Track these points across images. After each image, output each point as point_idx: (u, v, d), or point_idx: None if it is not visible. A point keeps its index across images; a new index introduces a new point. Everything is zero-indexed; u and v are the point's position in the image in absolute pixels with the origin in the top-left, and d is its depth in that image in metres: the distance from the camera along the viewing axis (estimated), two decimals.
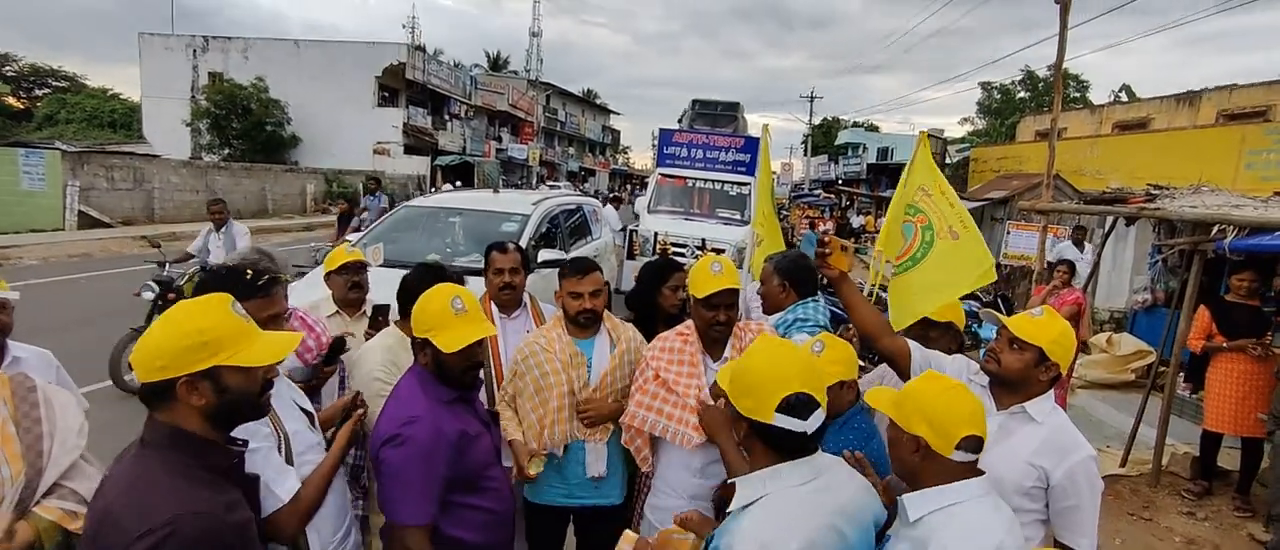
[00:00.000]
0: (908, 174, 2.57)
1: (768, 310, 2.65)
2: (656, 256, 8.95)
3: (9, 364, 1.88)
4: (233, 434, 1.29)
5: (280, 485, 1.56)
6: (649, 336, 2.61)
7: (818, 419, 1.38)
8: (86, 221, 14.74)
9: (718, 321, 2.16)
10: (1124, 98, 28.03)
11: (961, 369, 2.03)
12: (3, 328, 1.93)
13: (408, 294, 2.36)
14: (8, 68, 31.43)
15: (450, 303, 1.81)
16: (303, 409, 2.00)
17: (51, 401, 1.57)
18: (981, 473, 1.42)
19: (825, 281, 2.35)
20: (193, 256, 6.68)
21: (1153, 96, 18.63)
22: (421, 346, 1.86)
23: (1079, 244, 8.37)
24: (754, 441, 1.42)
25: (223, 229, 6.56)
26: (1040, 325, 1.81)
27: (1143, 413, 5.17)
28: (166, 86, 27.43)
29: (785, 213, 19.50)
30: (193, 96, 26.72)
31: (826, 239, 2.16)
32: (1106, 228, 6.50)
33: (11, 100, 29.68)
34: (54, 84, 33.18)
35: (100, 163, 15.88)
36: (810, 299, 2.61)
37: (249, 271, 1.82)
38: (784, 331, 2.49)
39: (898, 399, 1.45)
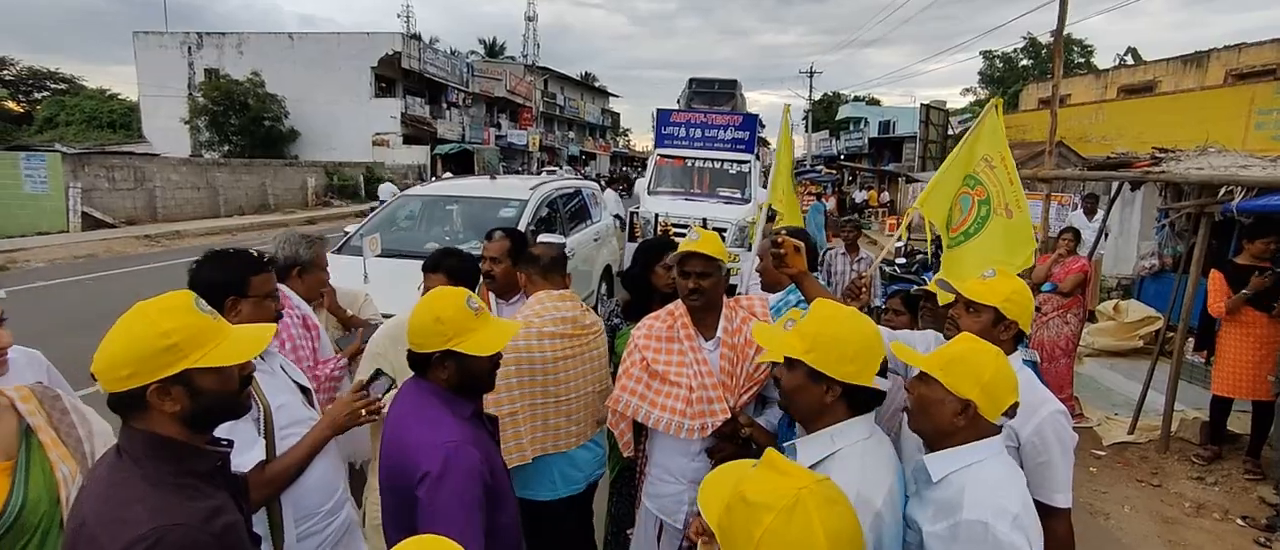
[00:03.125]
0: (971, 141, 2.45)
1: (766, 287, 2.61)
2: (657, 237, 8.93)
3: None
4: (216, 434, 1.25)
5: (240, 456, 1.54)
6: (639, 315, 2.54)
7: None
8: (90, 222, 14.78)
9: (690, 290, 2.12)
10: (1130, 61, 27.61)
11: (931, 342, 2.03)
12: None
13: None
14: (5, 72, 31.41)
15: (466, 303, 1.64)
16: (298, 384, 2.00)
17: (78, 408, 1.58)
18: (1000, 430, 1.45)
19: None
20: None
21: (1159, 59, 18.33)
22: (441, 360, 1.62)
23: (1090, 212, 8.24)
24: (839, 404, 1.47)
25: None
26: (992, 286, 1.86)
27: (1151, 379, 5.12)
28: (163, 85, 27.36)
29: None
30: (190, 94, 26.65)
31: (781, 241, 2.13)
32: (1112, 193, 6.42)
33: (11, 104, 29.67)
34: (52, 87, 33.13)
35: (101, 163, 15.89)
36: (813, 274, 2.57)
37: (253, 251, 1.86)
38: (784, 310, 2.42)
39: (946, 363, 1.45)
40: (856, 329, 1.49)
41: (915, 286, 7.21)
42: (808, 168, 28.09)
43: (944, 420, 1.42)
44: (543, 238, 5.62)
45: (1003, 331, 1.82)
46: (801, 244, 2.17)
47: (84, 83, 33.99)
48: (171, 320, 1.13)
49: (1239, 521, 3.98)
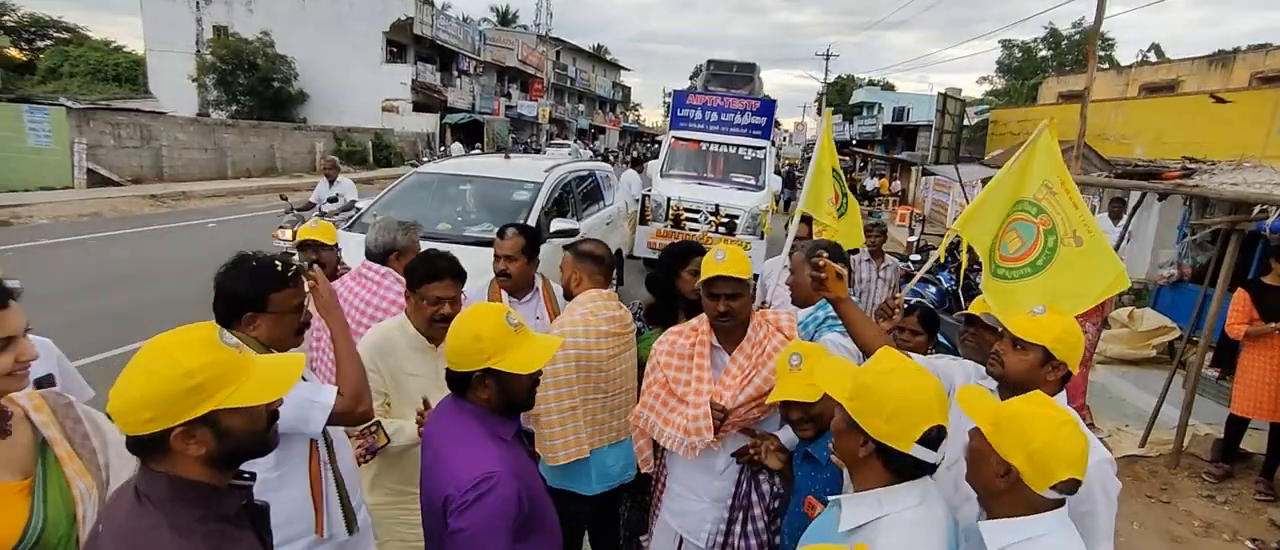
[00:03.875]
0: (1025, 164, 2.27)
1: (797, 302, 2.52)
2: (668, 222, 8.83)
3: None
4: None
5: (322, 398, 1.72)
6: (669, 321, 2.56)
7: (944, 448, 1.38)
8: (96, 179, 14.69)
9: (719, 311, 2.09)
10: (1152, 58, 27.09)
11: (970, 373, 1.95)
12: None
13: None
14: (7, 18, 30.83)
15: (506, 320, 1.59)
16: None
17: (91, 415, 1.52)
18: (1062, 503, 1.34)
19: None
20: (314, 205, 7.74)
21: (1183, 57, 17.98)
22: (481, 380, 1.56)
23: (1116, 217, 8.09)
24: (874, 460, 1.38)
25: (334, 183, 7.96)
26: (1042, 324, 1.75)
27: (1167, 392, 5.07)
28: (170, 40, 26.99)
29: (799, 174, 19.15)
30: (198, 51, 26.32)
31: (823, 265, 2.03)
32: (1135, 201, 6.30)
33: (14, 52, 29.26)
34: (55, 36, 32.62)
35: (107, 119, 15.73)
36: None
37: (278, 263, 1.75)
38: (813, 329, 2.36)
39: (998, 419, 1.35)
40: (905, 390, 1.37)
41: (931, 293, 7.07)
42: None
43: (987, 479, 1.35)
44: (557, 224, 5.55)
45: (1050, 371, 1.74)
46: (845, 271, 2.08)
47: (88, 32, 33.57)
48: (194, 358, 1.06)
49: (1249, 543, 3.95)
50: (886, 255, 5.50)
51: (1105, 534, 1.65)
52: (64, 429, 1.43)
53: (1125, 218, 6.85)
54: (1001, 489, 1.33)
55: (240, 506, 1.17)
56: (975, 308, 2.28)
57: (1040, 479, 1.29)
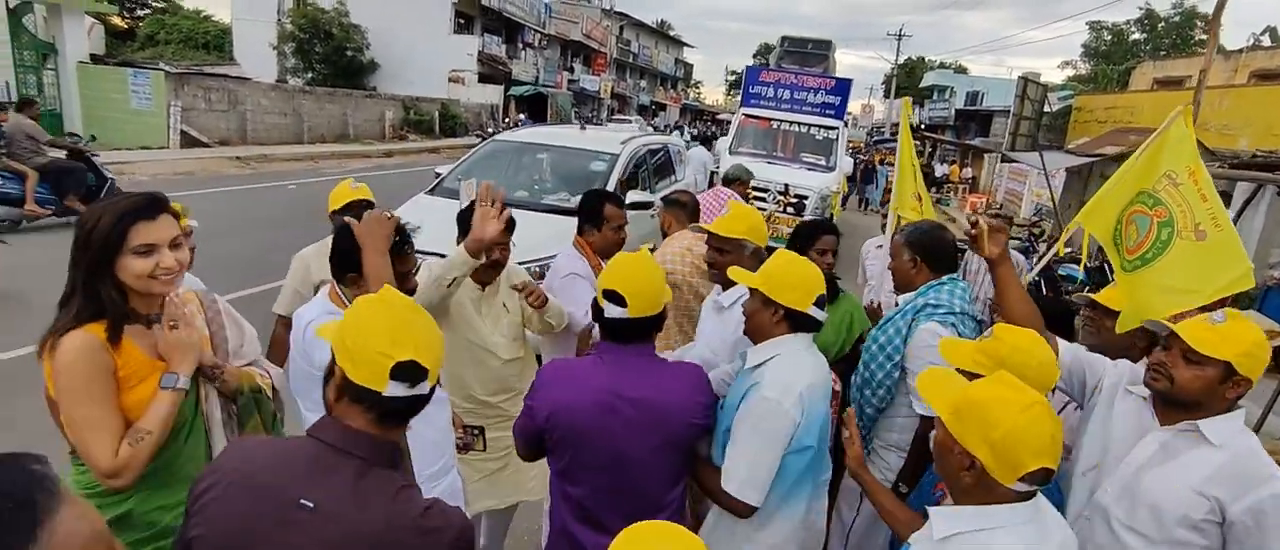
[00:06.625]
0: (1151, 154, 2.18)
1: (898, 288, 2.44)
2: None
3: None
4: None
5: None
6: None
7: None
8: (187, 141, 15.56)
9: (707, 263, 2.44)
10: (1266, 42, 24.96)
11: (1123, 374, 1.82)
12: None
13: None
14: None
15: None
16: None
17: (232, 313, 1.76)
18: (1032, 496, 1.25)
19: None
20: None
21: None
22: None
23: None
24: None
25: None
26: (1224, 334, 1.53)
27: (1274, 402, 4.75)
28: (256, 9, 28.12)
29: (864, 158, 18.61)
30: (279, 20, 27.36)
31: (975, 219, 1.94)
32: (1247, 196, 5.88)
33: (117, 20, 31.07)
34: (153, 5, 34.59)
35: (198, 84, 16.61)
36: (948, 277, 2.31)
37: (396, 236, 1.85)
38: (911, 316, 2.24)
39: (958, 406, 1.26)
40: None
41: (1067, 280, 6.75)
42: (887, 136, 26.91)
43: (953, 474, 1.26)
44: (631, 195, 5.58)
45: (1230, 389, 1.56)
46: (1004, 226, 2.00)
47: (181, 2, 35.39)
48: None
49: None
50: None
51: None
52: (207, 321, 1.66)
53: (1232, 213, 6.41)
54: (968, 483, 1.24)
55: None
56: (1103, 297, 2.18)
57: (1006, 471, 1.19)
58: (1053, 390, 1.79)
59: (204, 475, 1.15)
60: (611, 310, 1.72)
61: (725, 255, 2.30)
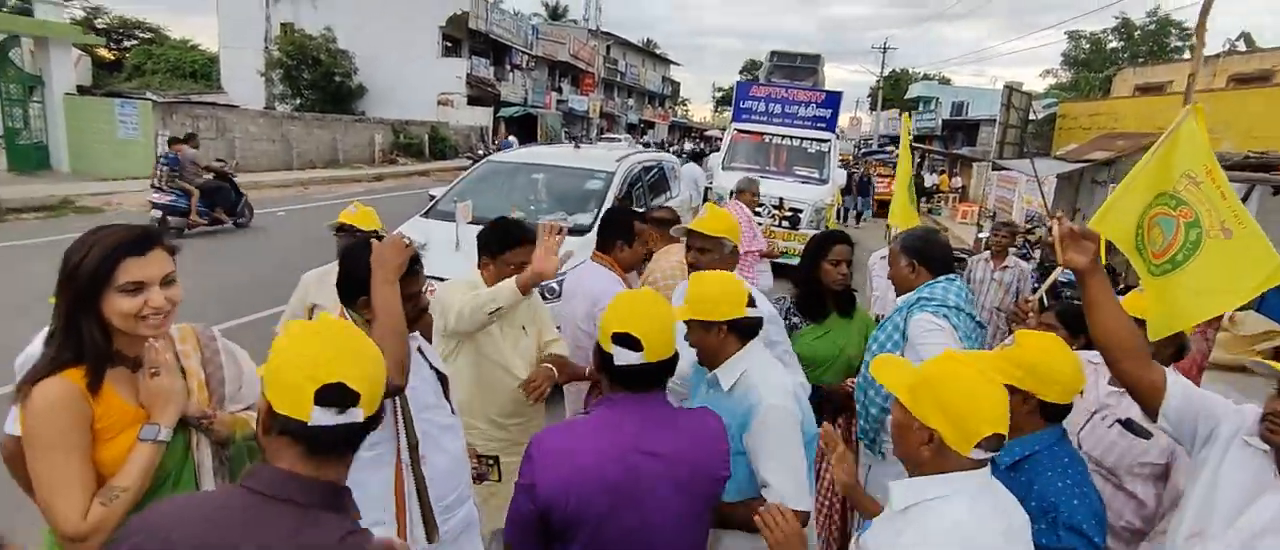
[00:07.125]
0: (1166, 155, 2.13)
1: (900, 295, 2.47)
2: None
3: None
4: None
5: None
6: (817, 312, 2.72)
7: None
8: None
9: (689, 262, 2.45)
10: (1242, 47, 25.47)
11: (1243, 421, 1.56)
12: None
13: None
14: (99, 20, 32.91)
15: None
16: (435, 370, 1.97)
17: (230, 349, 1.64)
18: (986, 464, 1.29)
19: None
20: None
21: (1277, 47, 16.83)
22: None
23: None
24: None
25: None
26: None
27: None
28: (242, 37, 28.18)
29: (855, 171, 18.74)
30: (266, 47, 27.38)
31: (1055, 223, 1.73)
32: (1239, 197, 5.91)
33: (104, 52, 31.09)
34: (140, 36, 34.68)
35: (186, 113, 16.53)
36: (945, 277, 2.36)
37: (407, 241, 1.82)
38: (906, 310, 2.31)
39: (913, 385, 1.31)
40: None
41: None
42: (875, 148, 27.14)
43: (913, 450, 1.31)
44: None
45: None
46: (1096, 234, 1.74)
47: (169, 33, 35.55)
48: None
49: None
50: (1010, 255, 5.08)
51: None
52: (203, 360, 1.55)
53: None
54: (927, 457, 1.28)
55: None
56: (1127, 305, 2.14)
57: (963, 440, 1.24)
58: (1152, 431, 1.80)
59: (119, 539, 1.01)
60: (624, 356, 1.50)
61: (706, 254, 2.36)
